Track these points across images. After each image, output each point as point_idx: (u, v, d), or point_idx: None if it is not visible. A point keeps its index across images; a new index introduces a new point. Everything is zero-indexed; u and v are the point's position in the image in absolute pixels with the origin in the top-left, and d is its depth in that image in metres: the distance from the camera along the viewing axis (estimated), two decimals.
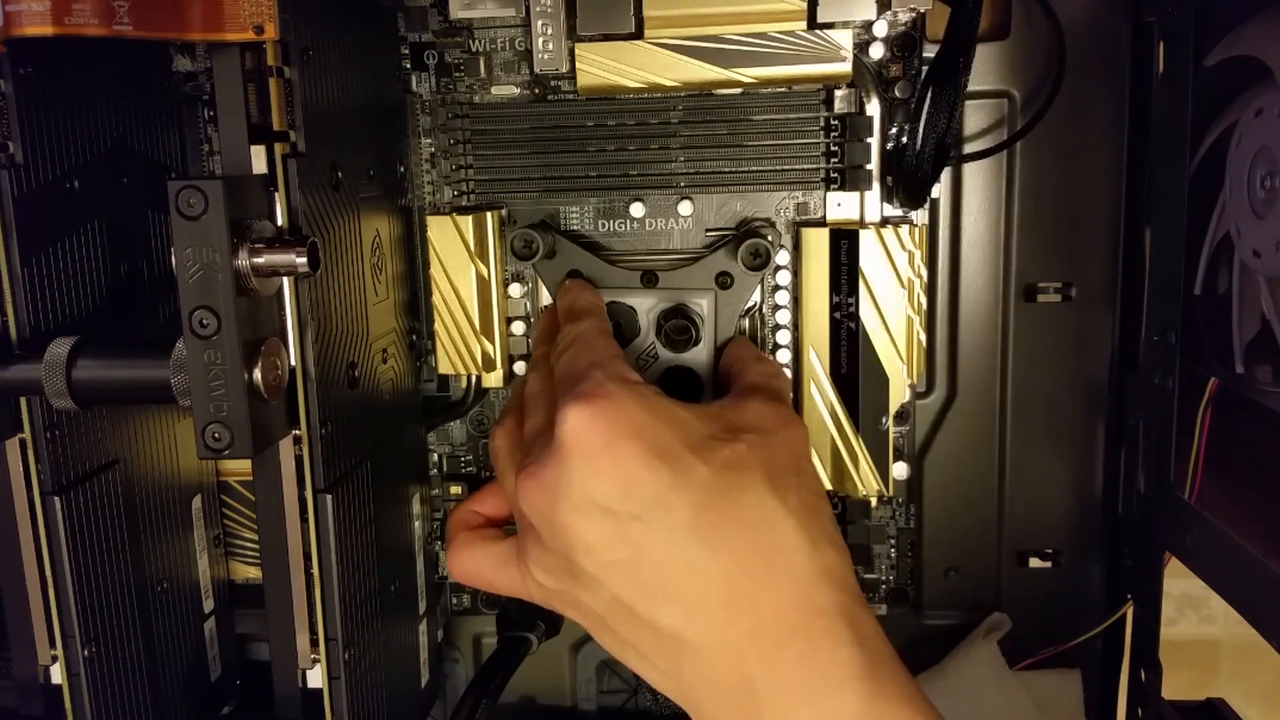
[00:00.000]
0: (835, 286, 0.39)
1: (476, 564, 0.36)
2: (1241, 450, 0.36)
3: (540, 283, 0.41)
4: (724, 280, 0.40)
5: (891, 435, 0.40)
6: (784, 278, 0.41)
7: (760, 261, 0.39)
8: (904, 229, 0.39)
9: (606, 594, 0.31)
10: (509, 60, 0.41)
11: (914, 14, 0.39)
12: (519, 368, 0.43)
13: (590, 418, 0.30)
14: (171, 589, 0.38)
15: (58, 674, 0.34)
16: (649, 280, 0.40)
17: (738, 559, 0.30)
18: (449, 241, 0.40)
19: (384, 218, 0.39)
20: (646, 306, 0.40)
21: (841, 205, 0.40)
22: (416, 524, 0.43)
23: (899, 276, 0.39)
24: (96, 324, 0.34)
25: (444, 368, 0.41)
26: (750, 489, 0.31)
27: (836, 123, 0.40)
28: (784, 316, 0.41)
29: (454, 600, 0.47)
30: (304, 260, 0.31)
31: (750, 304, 0.41)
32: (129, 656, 0.35)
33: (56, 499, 0.32)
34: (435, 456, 0.45)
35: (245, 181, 0.31)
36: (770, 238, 0.40)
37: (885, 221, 0.40)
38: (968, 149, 0.41)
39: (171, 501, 0.39)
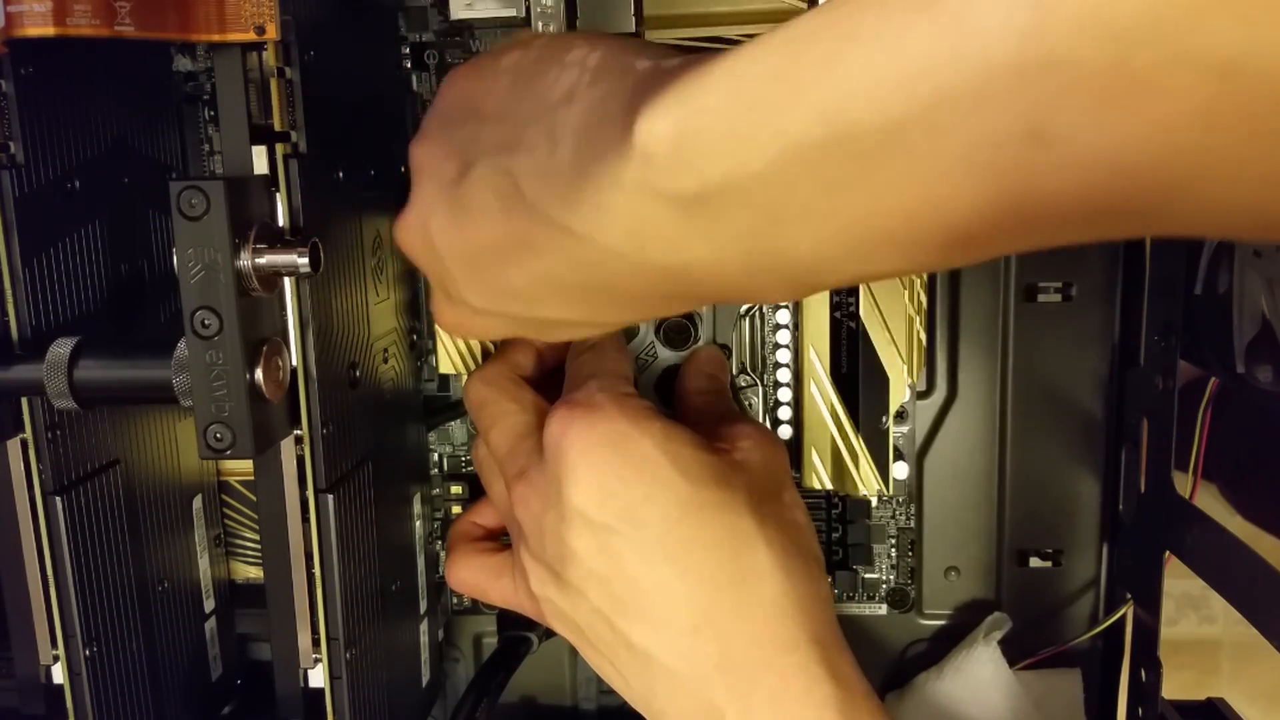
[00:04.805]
0: None
1: (473, 574, 0.37)
2: (1241, 449, 0.36)
3: None
4: None
5: (891, 435, 0.40)
6: None
7: None
8: None
9: (586, 606, 0.31)
10: None
11: None
12: None
13: (570, 424, 0.31)
14: (172, 589, 0.38)
15: (59, 674, 0.34)
16: None
17: (706, 583, 0.30)
18: None
19: (385, 218, 0.39)
20: None
21: None
22: (417, 524, 0.43)
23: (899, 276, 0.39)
24: (98, 324, 0.34)
25: (445, 367, 0.41)
26: (728, 507, 0.30)
27: None
28: (784, 316, 0.41)
29: (455, 600, 0.47)
30: (305, 260, 0.31)
31: (750, 304, 0.41)
32: (130, 656, 0.35)
33: (58, 499, 0.32)
34: (436, 456, 0.45)
35: (247, 182, 0.31)
36: None
37: None
38: None
39: (172, 501, 0.39)
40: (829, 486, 0.41)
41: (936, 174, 0.18)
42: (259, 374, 0.30)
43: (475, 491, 0.44)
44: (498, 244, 0.27)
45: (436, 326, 0.40)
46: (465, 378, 0.40)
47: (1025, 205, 0.18)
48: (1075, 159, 0.16)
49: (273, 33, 0.31)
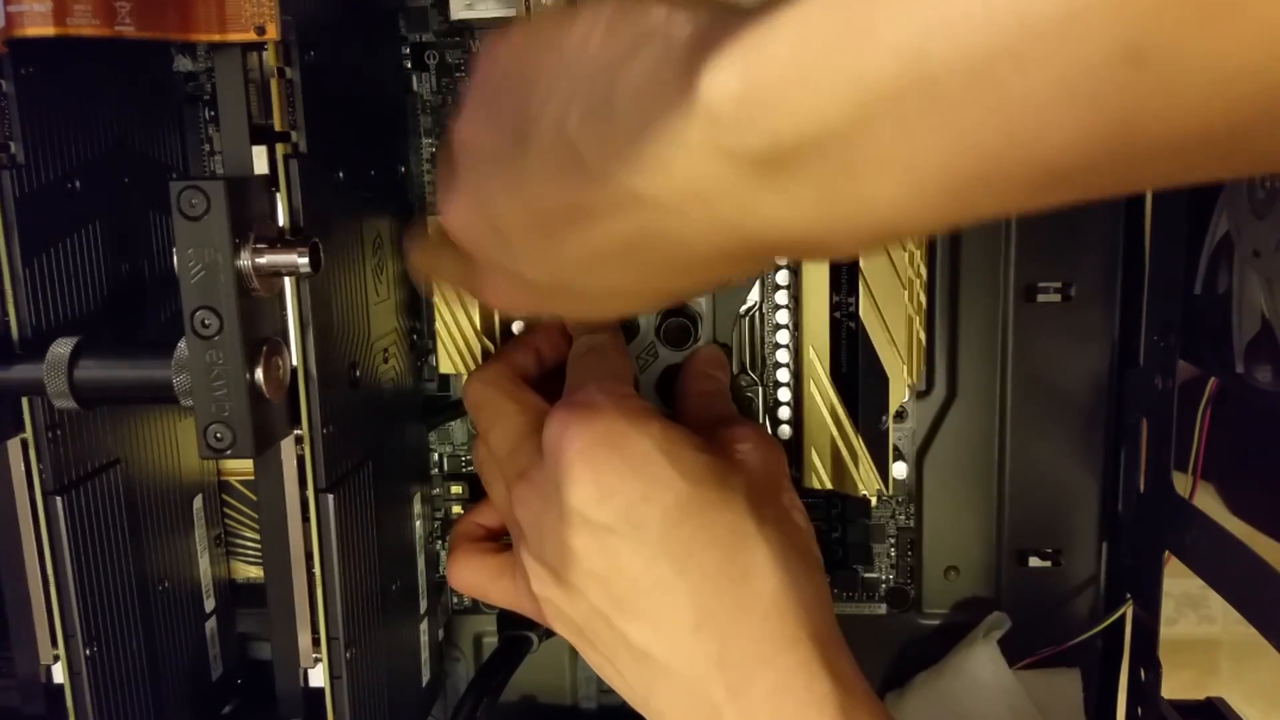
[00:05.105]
0: (835, 286, 0.39)
1: (474, 574, 0.37)
2: (1241, 449, 0.36)
3: None
4: None
5: (891, 434, 0.40)
6: (784, 277, 0.41)
7: None
8: None
9: (585, 605, 0.31)
10: None
11: None
12: None
13: (568, 425, 0.31)
14: (173, 588, 0.38)
15: (59, 673, 0.34)
16: None
17: (705, 582, 0.30)
18: None
19: (385, 218, 0.39)
20: None
21: None
22: (417, 523, 0.43)
23: (899, 276, 0.39)
24: (98, 324, 0.34)
25: (445, 367, 0.41)
26: (727, 506, 0.30)
27: None
28: (784, 316, 0.41)
29: (455, 599, 0.47)
30: (306, 260, 0.31)
31: (750, 304, 0.41)
32: (130, 656, 0.35)
33: (58, 499, 0.32)
34: (436, 456, 0.45)
35: (247, 182, 0.31)
36: None
37: None
38: None
39: (173, 501, 0.39)
40: (829, 486, 0.41)
41: (1029, 110, 0.17)
42: (259, 374, 0.30)
43: (475, 491, 0.44)
44: (561, 213, 0.25)
45: (438, 326, 0.40)
46: (465, 378, 0.40)
47: (1123, 134, 0.17)
48: (1176, 76, 0.15)
49: (273, 33, 0.31)
